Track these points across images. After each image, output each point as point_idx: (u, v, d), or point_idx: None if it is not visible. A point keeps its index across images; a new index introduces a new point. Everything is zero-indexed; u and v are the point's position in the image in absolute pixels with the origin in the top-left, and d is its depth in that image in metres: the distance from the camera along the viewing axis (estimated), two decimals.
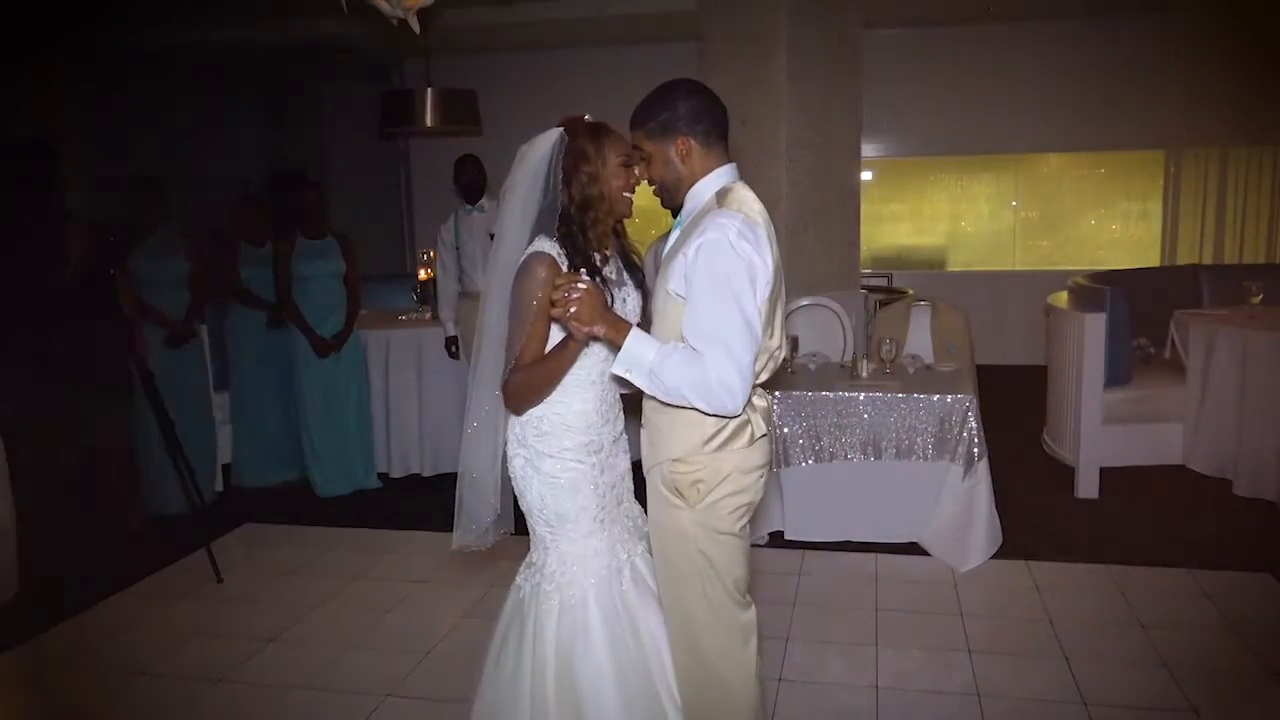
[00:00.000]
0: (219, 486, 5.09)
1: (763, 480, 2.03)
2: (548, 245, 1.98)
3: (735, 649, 2.02)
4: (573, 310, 1.84)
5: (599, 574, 2.06)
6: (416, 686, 3.03)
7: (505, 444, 2.10)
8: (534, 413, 2.05)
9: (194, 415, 4.82)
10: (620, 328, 1.87)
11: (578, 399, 2.05)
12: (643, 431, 2.06)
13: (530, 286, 1.94)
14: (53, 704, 3.04)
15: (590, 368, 2.05)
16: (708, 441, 1.94)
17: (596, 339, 1.92)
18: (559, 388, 2.02)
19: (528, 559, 2.16)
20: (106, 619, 3.62)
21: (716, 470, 1.94)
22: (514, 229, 2.03)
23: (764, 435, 2.01)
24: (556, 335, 2.00)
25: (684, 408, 1.89)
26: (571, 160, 1.99)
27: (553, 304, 1.87)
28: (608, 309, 1.91)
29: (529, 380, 1.97)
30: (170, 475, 4.20)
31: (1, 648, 3.37)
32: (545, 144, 2.01)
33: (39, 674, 3.23)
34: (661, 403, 1.94)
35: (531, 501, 2.08)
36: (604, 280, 2.02)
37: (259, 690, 3.04)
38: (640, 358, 1.85)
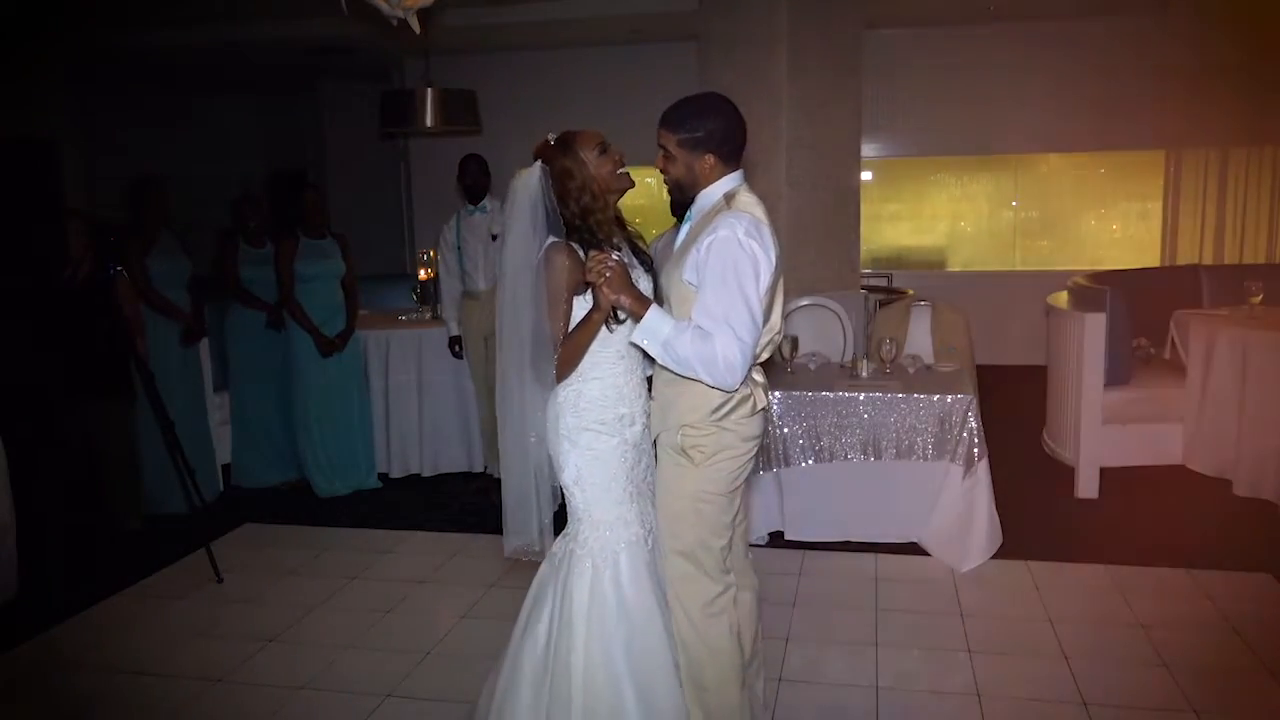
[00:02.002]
0: (219, 486, 5.09)
1: (756, 449, 2.28)
2: (559, 238, 2.20)
3: (715, 607, 2.24)
4: (607, 275, 2.07)
5: (629, 540, 2.25)
6: (416, 686, 3.03)
7: (544, 426, 2.27)
8: (570, 391, 2.23)
9: (194, 415, 4.82)
10: (643, 301, 2.12)
11: (608, 374, 2.24)
12: (653, 403, 2.29)
13: (555, 273, 2.16)
14: (53, 704, 3.04)
15: (617, 343, 2.23)
16: (715, 411, 2.18)
17: (621, 309, 2.13)
18: (591, 364, 2.22)
19: (565, 530, 2.33)
20: (106, 619, 3.62)
21: (721, 437, 2.19)
22: (522, 251, 2.20)
23: (763, 408, 2.26)
24: (576, 317, 2.21)
25: (689, 379, 2.12)
26: (559, 182, 2.21)
27: (588, 271, 2.10)
28: (633, 284, 2.14)
29: (560, 355, 2.17)
30: (170, 475, 4.20)
31: (1, 648, 3.37)
32: (533, 180, 2.21)
33: (39, 674, 3.23)
34: (673, 375, 2.16)
35: (569, 474, 2.26)
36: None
37: (259, 690, 3.03)
38: (657, 330, 2.09)
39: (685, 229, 2.28)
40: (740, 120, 2.23)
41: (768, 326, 2.21)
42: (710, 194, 2.22)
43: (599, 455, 2.24)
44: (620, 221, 2.34)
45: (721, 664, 2.25)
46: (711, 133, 2.18)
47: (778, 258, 2.16)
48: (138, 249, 4.60)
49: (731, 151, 2.21)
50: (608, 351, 2.22)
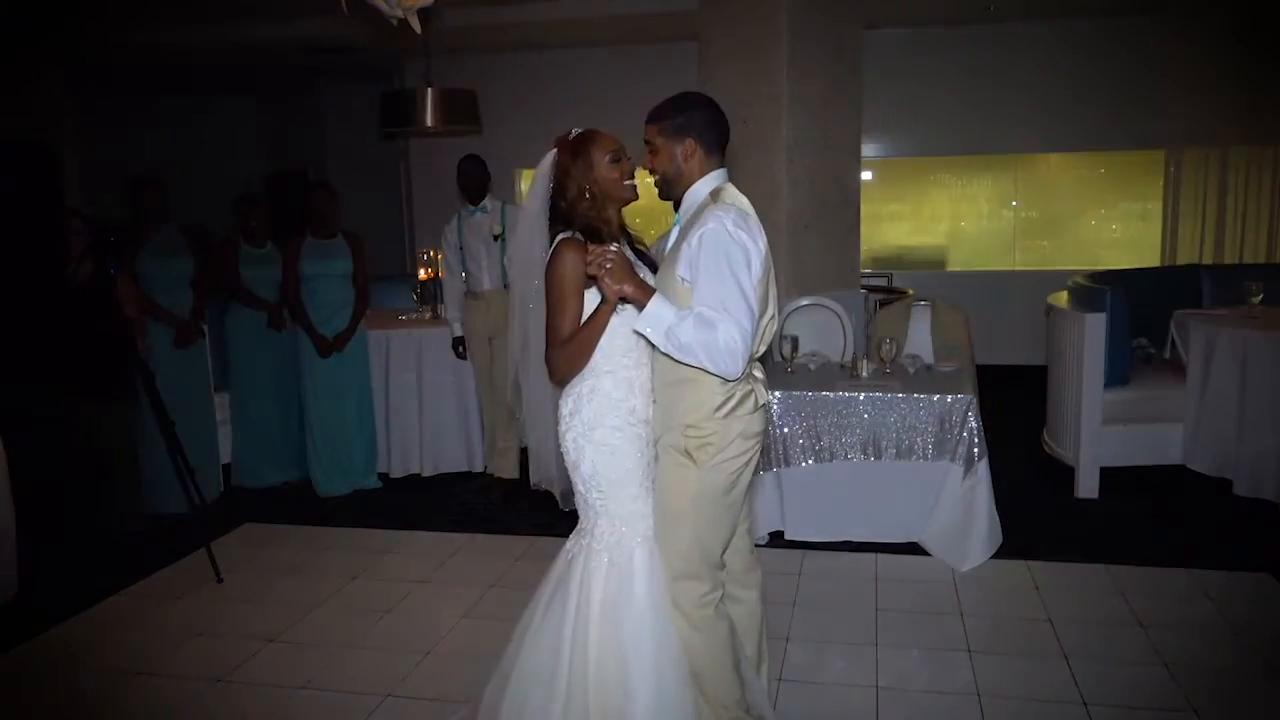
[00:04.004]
0: (219, 486, 5.09)
1: (759, 447, 2.30)
2: (569, 233, 2.23)
3: (706, 600, 2.27)
4: (607, 267, 2.08)
5: (644, 534, 2.28)
6: (416, 686, 3.03)
7: (557, 423, 2.32)
8: (583, 387, 2.26)
9: (194, 415, 4.82)
10: (646, 290, 2.13)
11: (619, 367, 2.26)
12: (655, 406, 2.30)
13: (564, 267, 2.18)
14: (53, 704, 3.04)
15: (626, 335, 2.24)
16: (718, 409, 2.20)
17: (626, 299, 2.13)
18: (603, 358, 2.24)
19: (578, 528, 2.37)
20: (106, 619, 3.62)
21: (725, 435, 2.21)
22: (533, 239, 2.28)
23: (764, 404, 2.29)
24: (586, 312, 2.23)
25: (691, 367, 2.13)
26: (559, 176, 2.27)
27: (588, 265, 2.11)
28: (635, 273, 2.14)
29: (569, 350, 2.20)
30: (170, 475, 4.20)
31: (1, 648, 3.37)
32: (543, 168, 2.29)
33: (39, 674, 3.23)
34: (672, 377, 2.20)
35: (584, 471, 2.28)
36: None
37: (259, 690, 3.04)
38: (660, 317, 2.10)
39: (675, 230, 2.31)
40: (722, 115, 2.28)
41: (762, 318, 2.24)
42: (697, 192, 2.26)
43: (615, 450, 2.26)
44: (623, 227, 2.37)
45: (714, 649, 2.28)
46: (691, 118, 2.23)
47: (766, 249, 2.21)
48: (129, 249, 4.60)
49: (714, 140, 2.26)
50: (618, 345, 2.24)
